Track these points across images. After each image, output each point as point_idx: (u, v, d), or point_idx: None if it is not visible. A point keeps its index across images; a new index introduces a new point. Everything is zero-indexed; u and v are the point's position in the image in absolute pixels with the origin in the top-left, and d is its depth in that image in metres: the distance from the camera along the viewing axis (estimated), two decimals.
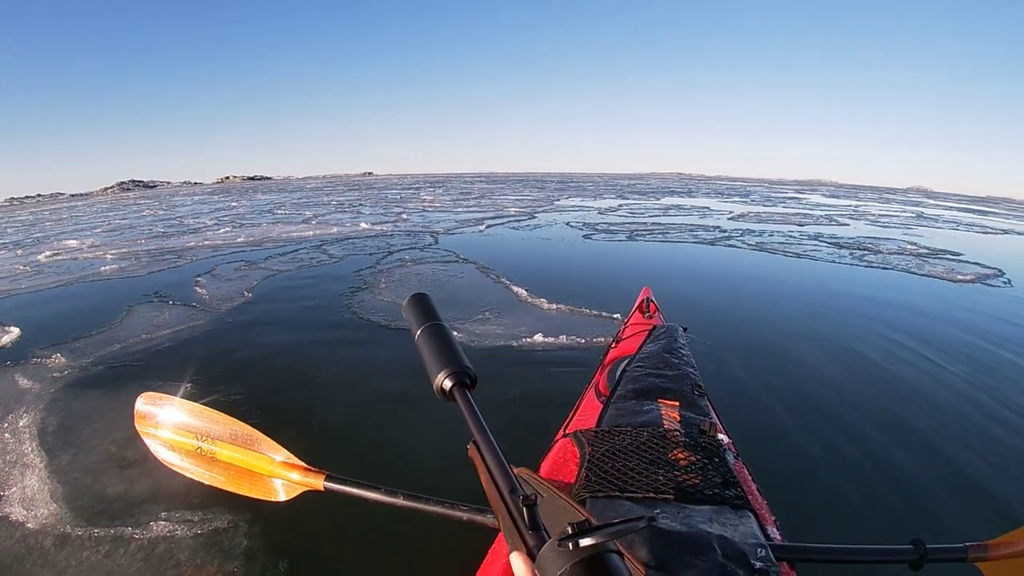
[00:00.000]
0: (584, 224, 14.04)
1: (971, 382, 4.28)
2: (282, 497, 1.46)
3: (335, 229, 13.36)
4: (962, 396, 4.01)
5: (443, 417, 3.51)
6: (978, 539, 1.62)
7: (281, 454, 1.49)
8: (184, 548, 2.42)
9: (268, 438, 1.49)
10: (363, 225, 14.09)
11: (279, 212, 19.67)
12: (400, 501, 1.30)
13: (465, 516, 1.25)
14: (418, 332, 0.88)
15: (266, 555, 2.37)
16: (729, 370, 4.35)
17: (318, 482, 1.40)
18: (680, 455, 1.51)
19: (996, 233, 16.74)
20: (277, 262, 9.02)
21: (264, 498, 1.47)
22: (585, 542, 0.46)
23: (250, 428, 1.50)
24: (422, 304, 0.92)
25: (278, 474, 1.46)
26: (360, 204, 22.82)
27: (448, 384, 0.79)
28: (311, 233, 12.65)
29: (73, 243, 12.97)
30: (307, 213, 18.60)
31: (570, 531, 0.48)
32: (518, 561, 0.55)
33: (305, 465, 1.45)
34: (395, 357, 4.66)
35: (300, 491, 1.44)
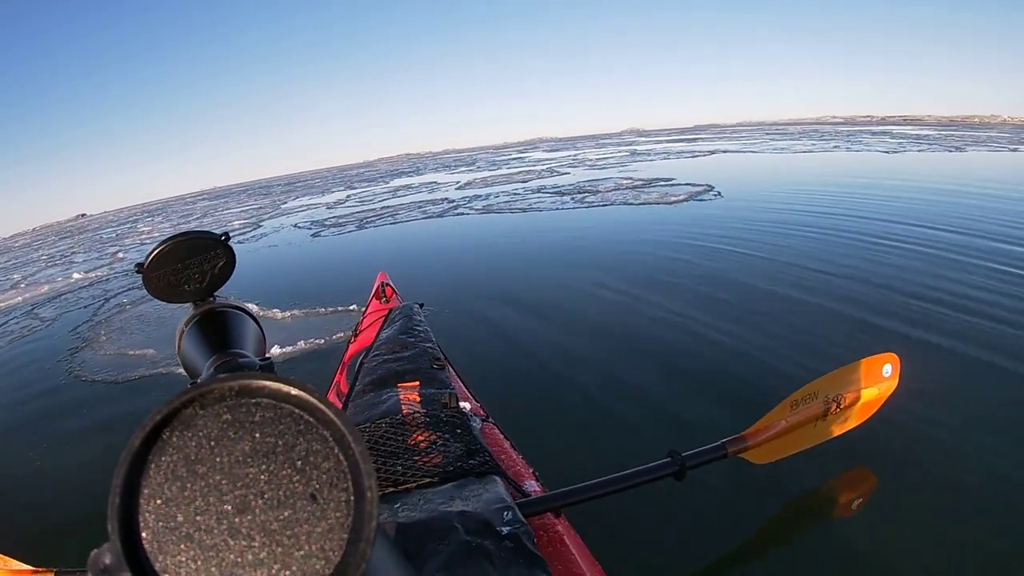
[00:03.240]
0: (312, 222, 13.54)
1: (698, 292, 4.66)
2: None
3: (46, 288, 11.59)
4: (692, 309, 4.30)
5: None
6: (735, 432, 1.73)
7: (5, 563, 1.35)
8: None
9: None
10: (76, 276, 12.40)
11: None
12: None
13: None
14: None
15: None
16: (471, 334, 4.35)
17: None
18: (420, 437, 1.45)
19: (704, 155, 19.01)
20: None
21: None
22: None
23: None
24: None
25: None
26: (72, 252, 20.02)
27: None
28: (20, 299, 10.80)
29: None
30: (15, 276, 15.90)
31: None
32: None
33: (31, 568, 1.34)
34: (124, 415, 4.27)
35: None
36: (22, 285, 13.45)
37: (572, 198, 11.15)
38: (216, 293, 0.72)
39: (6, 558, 1.35)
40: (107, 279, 11.08)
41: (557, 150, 37.91)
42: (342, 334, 4.69)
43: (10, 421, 4.50)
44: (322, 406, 0.27)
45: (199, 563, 0.25)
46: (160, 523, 0.26)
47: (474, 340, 4.23)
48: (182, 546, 0.26)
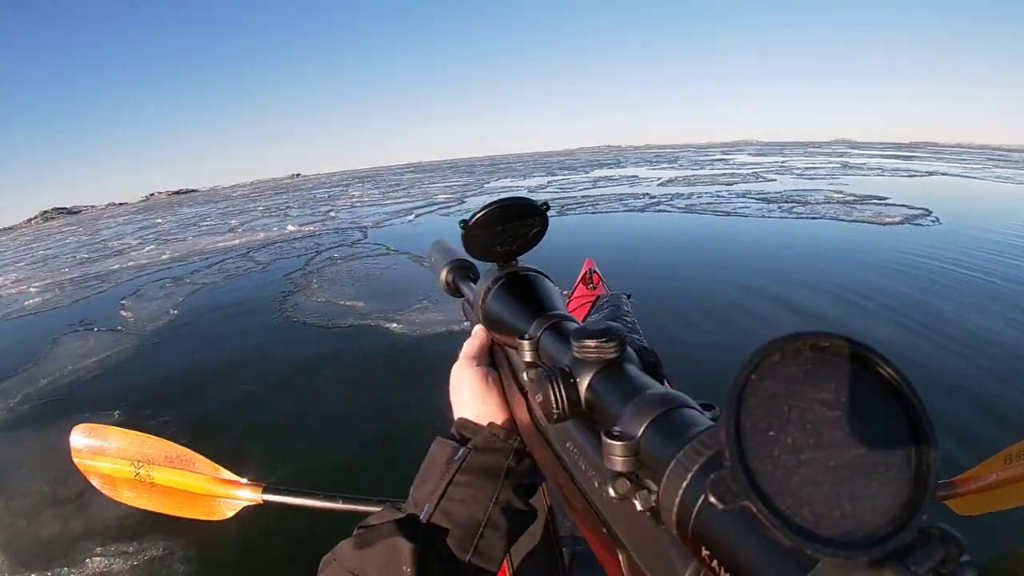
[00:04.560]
0: None
1: (911, 319, 4.50)
2: (222, 515, 1.39)
3: (262, 235, 12.94)
4: (905, 334, 4.22)
5: (381, 413, 3.55)
6: (946, 476, 1.63)
7: (217, 471, 1.42)
8: None
9: (203, 457, 1.42)
10: (290, 227, 13.73)
11: (204, 224, 18.88)
12: (340, 505, 1.26)
13: None
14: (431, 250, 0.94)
15: None
16: (673, 331, 4.42)
17: (256, 495, 1.35)
18: None
19: (921, 175, 17.44)
20: (203, 275, 8.74)
21: (205, 518, 1.40)
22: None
23: (183, 449, 1.42)
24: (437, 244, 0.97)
25: (216, 492, 1.39)
26: (287, 207, 22.21)
27: (451, 277, 0.85)
28: (237, 242, 12.20)
29: None
30: (232, 222, 17.90)
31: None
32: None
33: (242, 480, 1.40)
34: (332, 358, 4.59)
35: (239, 507, 1.38)
36: (239, 230, 15.06)
37: (779, 207, 10.72)
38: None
39: (218, 467, 1.45)
40: (319, 234, 12.08)
41: (763, 155, 36.28)
42: None
43: (227, 353, 4.94)
44: (879, 361, 0.28)
45: (806, 488, 0.26)
46: (763, 450, 0.27)
47: (675, 335, 4.34)
48: (785, 473, 0.26)
